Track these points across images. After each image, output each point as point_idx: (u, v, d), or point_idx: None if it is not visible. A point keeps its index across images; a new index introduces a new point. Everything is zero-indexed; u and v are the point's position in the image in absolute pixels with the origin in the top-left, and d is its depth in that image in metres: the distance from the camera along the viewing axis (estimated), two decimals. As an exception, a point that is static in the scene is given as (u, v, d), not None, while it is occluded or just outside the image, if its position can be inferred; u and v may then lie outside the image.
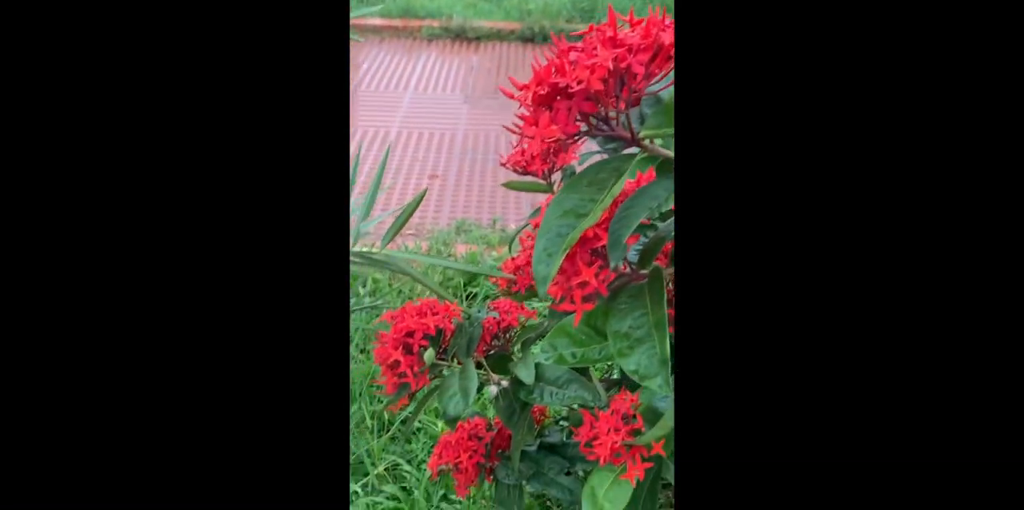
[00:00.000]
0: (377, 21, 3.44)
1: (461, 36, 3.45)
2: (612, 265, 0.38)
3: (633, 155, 0.36)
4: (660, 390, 0.37)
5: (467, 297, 1.69)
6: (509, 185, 0.85)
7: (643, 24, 0.35)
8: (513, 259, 0.74)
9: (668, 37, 0.35)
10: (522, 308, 0.74)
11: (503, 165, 0.82)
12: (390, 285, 1.67)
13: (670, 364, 0.38)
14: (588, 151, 0.85)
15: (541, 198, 2.07)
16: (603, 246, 0.39)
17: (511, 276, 0.72)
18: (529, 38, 3.41)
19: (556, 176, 0.81)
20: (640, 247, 0.45)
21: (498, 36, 3.45)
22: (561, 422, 0.84)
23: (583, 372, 0.66)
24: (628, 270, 0.44)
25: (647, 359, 0.39)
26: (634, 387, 0.62)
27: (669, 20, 0.41)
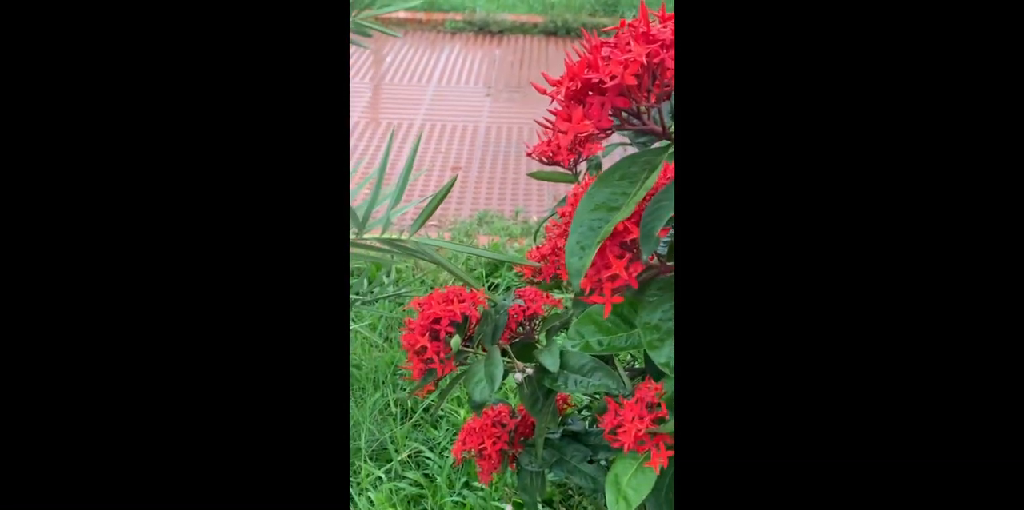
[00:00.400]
0: (401, 14, 3.44)
1: (484, 29, 3.44)
2: (644, 258, 0.38)
3: (664, 149, 0.37)
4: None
5: (489, 288, 1.69)
6: (535, 175, 0.85)
7: (674, 19, 0.35)
8: (538, 248, 0.74)
9: (701, 32, 0.35)
10: (547, 297, 0.75)
11: (529, 155, 0.82)
12: (413, 274, 1.68)
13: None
14: (612, 142, 0.84)
15: (563, 189, 2.07)
16: (633, 239, 0.40)
17: (537, 264, 0.72)
18: (552, 31, 3.39)
19: (582, 166, 0.81)
20: (669, 240, 0.45)
21: (521, 29, 3.44)
22: (584, 411, 0.85)
23: (607, 361, 0.66)
24: (657, 262, 0.45)
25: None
26: (658, 376, 0.62)
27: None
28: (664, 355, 0.39)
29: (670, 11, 0.37)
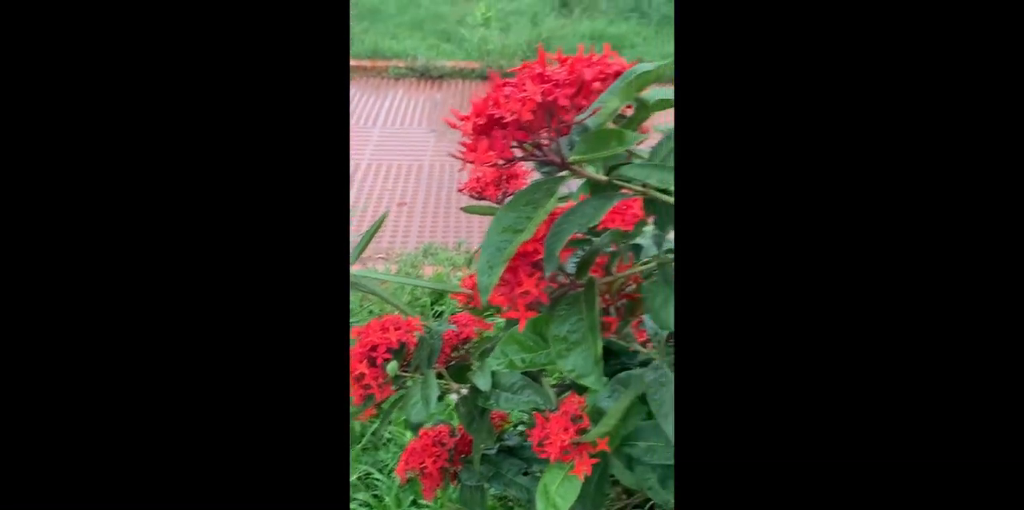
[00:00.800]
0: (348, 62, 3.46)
1: (426, 75, 3.48)
2: (546, 275, 0.40)
3: (563, 177, 0.38)
4: (594, 386, 0.39)
5: (436, 315, 1.69)
6: (467, 209, 0.86)
7: (569, 62, 0.37)
8: (471, 276, 0.75)
9: (590, 73, 0.37)
10: (480, 321, 0.76)
11: (460, 191, 0.84)
12: (361, 306, 1.67)
13: (602, 364, 0.39)
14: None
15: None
16: (542, 259, 0.41)
17: (470, 292, 0.73)
18: (489, 76, 3.45)
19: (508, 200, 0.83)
20: (577, 259, 0.46)
21: (460, 74, 3.49)
22: (519, 426, 0.85)
23: (536, 378, 0.67)
24: (567, 280, 0.46)
25: (583, 360, 0.40)
26: (582, 390, 0.63)
27: (596, 57, 0.43)
28: (570, 363, 0.40)
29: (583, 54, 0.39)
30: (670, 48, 3.58)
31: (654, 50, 3.54)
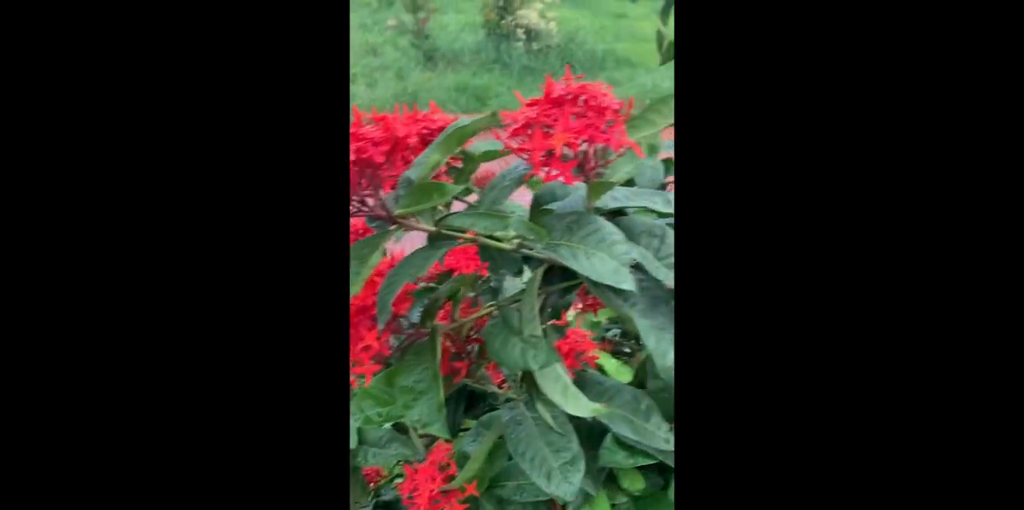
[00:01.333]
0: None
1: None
2: (381, 327, 0.40)
3: (390, 232, 0.39)
4: (440, 434, 0.39)
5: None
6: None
7: (383, 120, 0.38)
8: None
9: (404, 130, 0.38)
10: (345, 377, 0.74)
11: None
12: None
13: (445, 411, 0.39)
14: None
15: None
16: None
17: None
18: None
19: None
20: (422, 307, 0.47)
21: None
22: (396, 480, 0.83)
23: (404, 430, 0.66)
24: (412, 330, 0.46)
25: (428, 408, 0.40)
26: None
27: (422, 114, 0.45)
28: (417, 413, 0.40)
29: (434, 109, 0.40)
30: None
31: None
